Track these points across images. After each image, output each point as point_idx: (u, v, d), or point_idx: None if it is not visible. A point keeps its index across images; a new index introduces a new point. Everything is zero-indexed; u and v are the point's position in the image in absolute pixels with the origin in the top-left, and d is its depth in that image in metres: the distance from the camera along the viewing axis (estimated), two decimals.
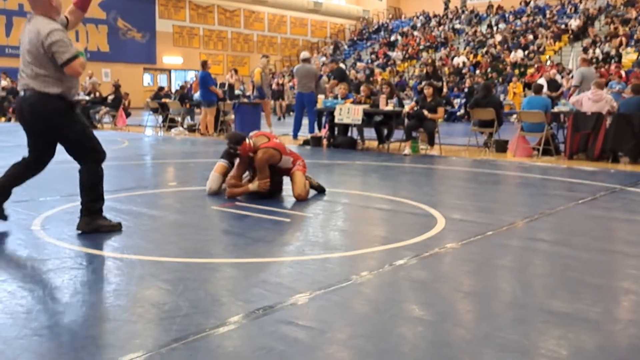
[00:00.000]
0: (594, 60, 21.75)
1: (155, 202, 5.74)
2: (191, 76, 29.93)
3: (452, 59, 26.63)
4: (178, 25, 32.72)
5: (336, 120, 10.75)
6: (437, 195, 6.43)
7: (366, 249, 3.94)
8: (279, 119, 21.86)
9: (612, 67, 20.07)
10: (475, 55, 26.46)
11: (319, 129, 12.38)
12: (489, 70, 24.11)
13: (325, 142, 11.31)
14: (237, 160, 5.79)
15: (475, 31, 30.24)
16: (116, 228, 4.31)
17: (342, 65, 17.77)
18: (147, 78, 31.90)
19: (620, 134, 8.90)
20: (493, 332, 2.56)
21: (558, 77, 18.92)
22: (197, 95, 15.39)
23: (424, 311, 2.83)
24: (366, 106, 10.65)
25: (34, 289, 3.07)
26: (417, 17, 36.19)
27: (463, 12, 34.46)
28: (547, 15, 28.94)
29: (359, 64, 28.83)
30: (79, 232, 4.22)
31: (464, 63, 25.44)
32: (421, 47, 30.72)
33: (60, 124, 4.13)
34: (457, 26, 32.52)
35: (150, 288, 3.13)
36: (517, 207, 5.66)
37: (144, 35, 30.98)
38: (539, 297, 3.06)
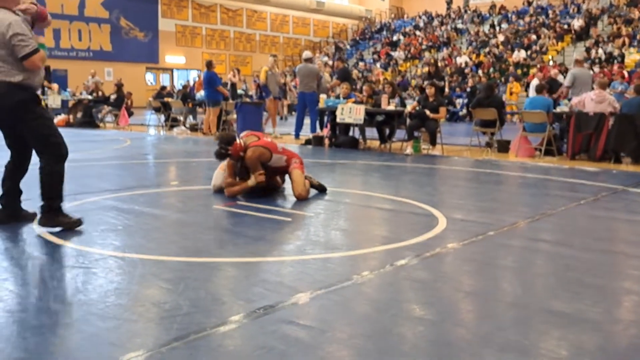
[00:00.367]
0: (597, 60, 21.74)
1: (157, 201, 5.75)
2: (194, 76, 30.03)
3: (455, 58, 26.61)
4: (181, 25, 32.74)
5: (338, 120, 10.75)
6: (439, 195, 6.43)
7: (367, 249, 3.94)
8: (281, 118, 21.87)
9: (615, 67, 20.04)
10: (478, 55, 26.44)
11: (321, 128, 12.39)
12: (491, 70, 24.09)
13: (327, 141, 11.31)
14: (227, 161, 5.81)
15: (478, 31, 30.21)
16: (76, 224, 4.30)
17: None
18: (149, 77, 31.93)
19: (622, 135, 8.89)
20: (493, 332, 2.56)
21: (560, 77, 18.88)
22: (199, 95, 15.40)
23: (425, 311, 2.83)
24: (367, 105, 10.65)
25: (35, 287, 3.08)
26: (420, 17, 36.17)
27: (466, 11, 34.42)
28: (550, 15, 28.90)
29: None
30: (39, 226, 4.24)
31: (466, 63, 25.42)
32: (423, 46, 30.70)
33: (24, 114, 4.10)
34: (460, 26, 32.50)
35: (152, 287, 3.14)
36: (518, 207, 5.65)
37: (147, 34, 31.01)
38: (540, 297, 3.06)
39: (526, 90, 18.83)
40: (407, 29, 34.66)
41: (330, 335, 2.52)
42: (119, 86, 17.07)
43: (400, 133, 10.87)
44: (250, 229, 4.45)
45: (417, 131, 10.23)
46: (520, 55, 24.55)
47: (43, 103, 4.23)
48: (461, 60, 25.95)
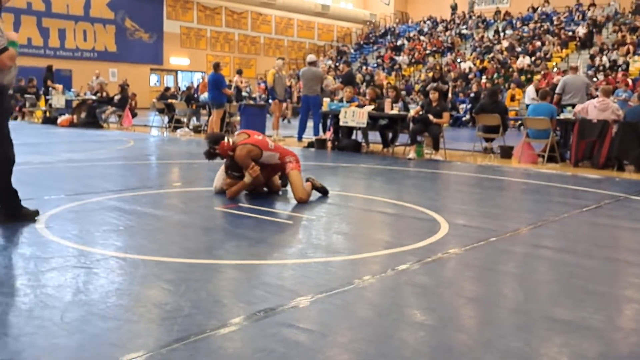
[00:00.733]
0: (601, 67, 21.72)
1: (160, 202, 5.75)
2: (198, 77, 30.07)
3: (460, 64, 26.61)
4: (185, 27, 32.82)
5: (341, 123, 10.76)
6: (441, 200, 6.42)
7: (369, 253, 3.93)
8: (284, 120, 21.88)
9: (619, 75, 20.03)
10: (482, 61, 26.44)
11: (324, 131, 12.40)
12: (495, 76, 24.09)
13: (329, 144, 11.32)
14: (223, 163, 5.84)
15: (482, 37, 30.23)
16: (33, 215, 4.37)
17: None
18: (153, 78, 32.00)
19: (625, 142, 8.87)
20: (495, 339, 2.56)
21: None
22: (203, 97, 15.42)
23: (426, 316, 2.82)
24: (370, 108, 10.66)
25: (36, 287, 3.08)
26: (424, 22, 36.22)
27: (470, 17, 34.45)
28: (555, 22, 28.91)
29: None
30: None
31: (470, 68, 25.43)
32: (428, 51, 30.72)
33: None
34: (464, 31, 32.52)
35: (153, 288, 3.13)
36: (521, 213, 5.64)
37: (152, 35, 31.09)
38: (542, 304, 3.05)
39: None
40: (412, 34, 34.70)
41: (330, 339, 2.52)
42: (123, 87, 17.10)
43: (403, 137, 10.87)
44: (251, 231, 4.45)
45: (420, 136, 10.24)
46: (524, 61, 24.55)
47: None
48: (465, 65, 25.97)
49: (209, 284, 3.21)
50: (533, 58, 24.92)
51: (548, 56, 25.07)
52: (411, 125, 10.26)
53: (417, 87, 24.57)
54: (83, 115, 16.66)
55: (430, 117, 9.91)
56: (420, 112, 10.17)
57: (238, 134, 5.98)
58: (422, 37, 33.43)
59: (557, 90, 11.45)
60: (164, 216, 5.02)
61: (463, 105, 21.21)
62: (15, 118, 19.15)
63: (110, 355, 2.29)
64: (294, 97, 21.70)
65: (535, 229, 4.78)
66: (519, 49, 26.48)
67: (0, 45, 3.92)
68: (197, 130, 15.27)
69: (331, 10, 38.19)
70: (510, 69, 24.41)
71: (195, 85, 22.68)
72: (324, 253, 3.89)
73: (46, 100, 18.38)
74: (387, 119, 10.78)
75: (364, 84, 21.42)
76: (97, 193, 5.81)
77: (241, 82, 19.19)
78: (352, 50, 36.25)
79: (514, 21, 31.40)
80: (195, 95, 16.93)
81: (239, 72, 19.61)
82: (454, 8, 35.97)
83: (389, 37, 36.23)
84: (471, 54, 28.21)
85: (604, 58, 22.47)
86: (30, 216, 4.47)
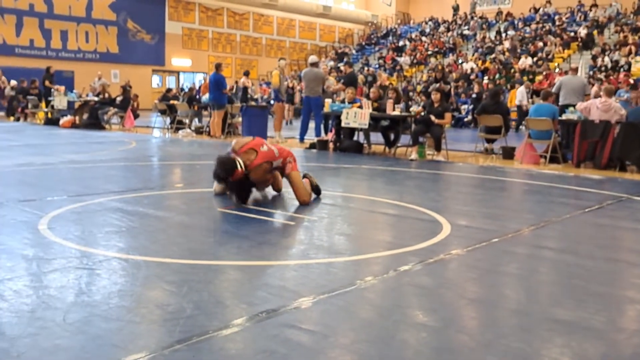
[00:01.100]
0: (603, 68, 21.71)
1: (162, 203, 5.76)
2: (200, 78, 30.10)
3: (461, 64, 26.61)
4: (187, 28, 32.85)
5: (343, 124, 10.76)
6: (443, 201, 6.42)
7: (371, 254, 3.93)
8: (287, 123, 21.90)
9: (621, 75, 20.01)
10: (484, 62, 26.43)
11: (326, 132, 12.40)
12: (497, 76, 24.09)
13: (331, 145, 11.32)
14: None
15: (484, 37, 30.22)
16: None
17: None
18: (155, 79, 32.02)
19: (628, 143, 8.86)
20: (496, 340, 2.56)
21: None
22: (205, 98, 15.44)
23: (428, 317, 2.82)
24: (372, 108, 10.67)
25: (39, 288, 3.09)
26: (426, 23, 36.22)
27: (472, 18, 34.44)
28: (557, 23, 28.89)
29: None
30: None
31: (472, 69, 25.43)
32: (429, 52, 30.72)
33: None
34: (466, 32, 32.51)
35: (155, 289, 3.14)
36: (523, 214, 5.64)
37: (154, 37, 31.11)
38: (543, 305, 3.05)
39: (531, 97, 18.82)
40: (413, 35, 34.71)
41: (332, 340, 2.52)
42: (125, 88, 17.12)
43: (405, 138, 10.87)
44: (253, 233, 4.45)
45: (422, 137, 10.24)
46: (526, 62, 24.54)
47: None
48: (467, 66, 25.96)
49: (211, 285, 3.22)
50: (535, 59, 24.91)
51: (550, 57, 25.06)
52: (413, 126, 10.26)
53: (419, 87, 24.57)
54: (85, 116, 16.69)
55: (432, 117, 9.91)
56: (422, 113, 10.18)
57: (243, 149, 5.60)
58: (423, 38, 33.44)
59: (554, 90, 11.50)
60: (166, 217, 5.02)
61: (465, 106, 21.20)
62: (18, 119, 19.20)
63: (113, 357, 2.29)
64: (295, 98, 21.70)
65: (537, 230, 4.78)
66: (520, 50, 26.47)
67: None
68: (199, 131, 15.28)
69: (333, 11, 38.20)
70: (512, 70, 24.41)
71: (197, 86, 22.72)
72: (326, 254, 3.90)
73: (47, 102, 18.41)
74: (388, 120, 10.79)
75: (366, 85, 21.43)
76: (99, 194, 5.82)
77: (250, 84, 19.22)
78: (353, 51, 36.24)
79: (515, 22, 31.39)
80: (197, 97, 16.95)
81: (246, 74, 19.63)
82: (456, 9, 35.98)
83: (390, 38, 36.23)
84: (473, 55, 28.20)
85: (606, 59, 22.46)
86: None
